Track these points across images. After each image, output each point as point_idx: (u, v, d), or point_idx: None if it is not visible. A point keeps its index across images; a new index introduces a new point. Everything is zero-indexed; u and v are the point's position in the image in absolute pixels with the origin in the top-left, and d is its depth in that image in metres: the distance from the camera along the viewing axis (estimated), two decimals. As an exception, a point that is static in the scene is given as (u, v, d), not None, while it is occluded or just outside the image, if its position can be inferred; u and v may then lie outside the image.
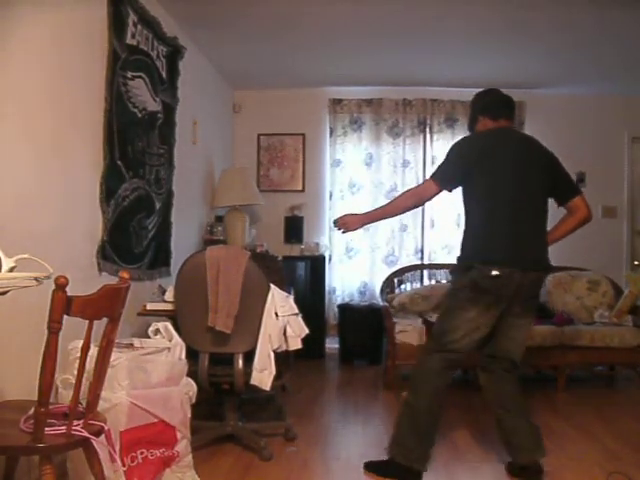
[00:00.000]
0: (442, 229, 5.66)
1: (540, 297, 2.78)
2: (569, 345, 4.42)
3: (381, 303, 5.01)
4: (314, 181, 5.83)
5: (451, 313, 2.68)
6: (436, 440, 2.75)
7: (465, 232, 2.74)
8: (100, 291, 1.73)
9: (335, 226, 2.91)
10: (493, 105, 2.93)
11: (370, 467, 2.79)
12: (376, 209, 3.03)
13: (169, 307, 3.09)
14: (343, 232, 2.91)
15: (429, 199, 2.79)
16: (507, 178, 2.64)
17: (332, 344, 5.57)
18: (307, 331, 3.09)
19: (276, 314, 2.93)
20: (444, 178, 2.74)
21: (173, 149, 4.05)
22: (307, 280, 5.40)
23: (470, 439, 3.27)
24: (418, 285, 5.50)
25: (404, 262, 5.65)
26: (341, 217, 2.91)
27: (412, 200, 2.80)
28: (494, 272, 2.54)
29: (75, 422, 1.72)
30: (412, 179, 5.64)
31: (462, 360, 2.72)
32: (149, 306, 3.17)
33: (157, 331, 2.73)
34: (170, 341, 2.69)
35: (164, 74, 3.87)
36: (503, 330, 2.69)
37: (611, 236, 5.65)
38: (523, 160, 2.69)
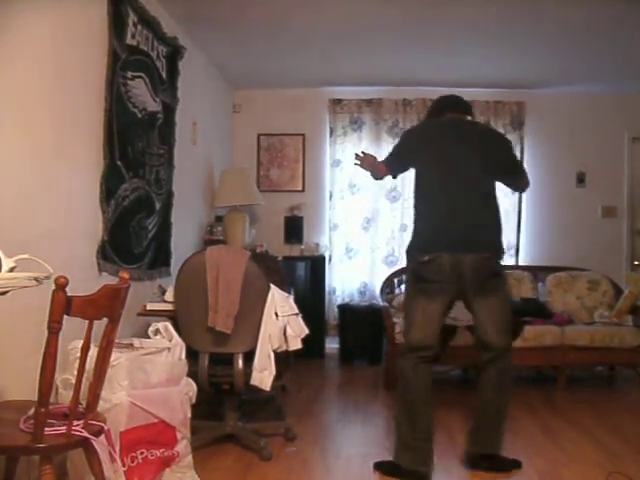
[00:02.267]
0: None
1: (501, 277, 2.79)
2: (569, 345, 4.42)
3: (381, 303, 5.01)
4: (314, 181, 5.83)
5: (407, 309, 2.81)
6: (434, 438, 2.76)
7: (413, 227, 2.88)
8: (100, 291, 1.73)
9: (357, 158, 2.99)
10: (437, 105, 3.07)
11: (380, 467, 2.78)
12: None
13: (169, 307, 3.09)
14: (355, 164, 3.02)
15: (381, 178, 3.05)
16: (444, 165, 2.76)
17: (332, 344, 5.57)
18: (307, 331, 3.09)
19: (276, 314, 2.93)
20: (387, 163, 2.96)
21: (173, 149, 4.05)
22: (307, 280, 5.40)
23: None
24: (418, 285, 5.49)
25: (404, 262, 5.64)
26: (367, 155, 2.97)
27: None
28: (424, 258, 2.68)
29: (75, 422, 1.72)
30: (412, 179, 5.64)
31: (436, 353, 2.76)
32: (149, 306, 3.18)
33: (157, 331, 2.73)
34: (170, 341, 2.69)
35: (164, 74, 3.87)
36: (475, 316, 2.78)
37: (611, 236, 5.65)
38: (462, 146, 2.77)
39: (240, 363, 2.90)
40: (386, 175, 3.00)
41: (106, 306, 1.76)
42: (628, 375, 4.82)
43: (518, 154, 5.63)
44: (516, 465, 2.81)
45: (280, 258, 5.09)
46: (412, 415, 2.71)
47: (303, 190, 5.84)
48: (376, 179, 3.08)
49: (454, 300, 2.78)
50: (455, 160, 2.74)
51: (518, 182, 2.97)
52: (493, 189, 2.81)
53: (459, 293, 2.74)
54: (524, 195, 5.65)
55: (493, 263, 2.72)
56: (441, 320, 2.75)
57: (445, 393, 4.23)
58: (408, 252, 2.84)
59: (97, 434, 1.78)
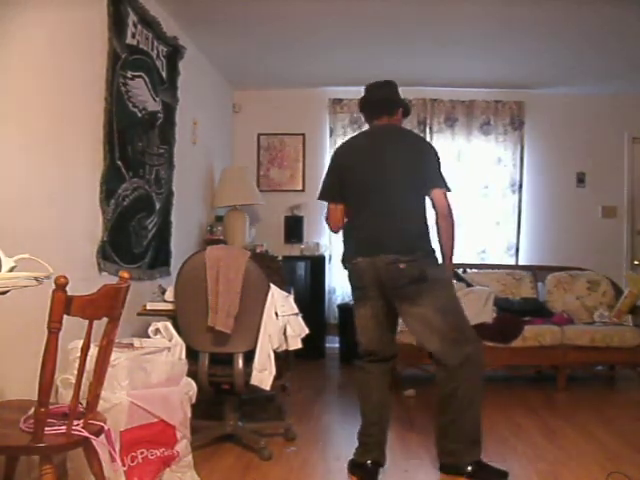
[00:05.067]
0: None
1: (431, 281, 2.60)
2: (569, 345, 4.42)
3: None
4: (314, 181, 5.79)
5: (355, 319, 2.81)
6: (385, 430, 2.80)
7: None
8: (100, 291, 1.73)
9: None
10: (364, 108, 3.00)
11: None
12: None
13: (169, 307, 3.09)
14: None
15: (333, 216, 2.90)
16: (362, 178, 2.74)
17: (332, 344, 5.58)
18: (307, 331, 3.09)
19: (276, 314, 2.93)
20: (322, 193, 2.96)
21: (173, 149, 4.05)
22: (307, 280, 5.40)
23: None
24: (418, 285, 5.49)
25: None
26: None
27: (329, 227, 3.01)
28: (348, 266, 2.76)
29: (75, 422, 1.72)
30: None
31: (385, 355, 2.79)
32: (149, 306, 3.18)
33: (157, 331, 2.74)
34: (170, 341, 2.69)
35: (164, 74, 3.87)
36: (408, 326, 2.72)
37: (611, 236, 5.65)
38: (379, 157, 2.73)
39: (240, 363, 2.89)
40: (337, 226, 2.92)
41: (106, 306, 1.76)
42: (628, 375, 4.82)
43: (518, 154, 5.65)
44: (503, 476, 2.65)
45: (280, 258, 5.08)
46: (363, 412, 2.80)
47: (303, 190, 5.84)
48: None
49: (387, 305, 2.70)
50: (377, 176, 2.71)
51: (435, 201, 2.71)
52: (416, 200, 2.73)
53: (383, 298, 2.68)
54: (524, 195, 5.66)
55: (408, 269, 2.57)
56: (377, 324, 2.72)
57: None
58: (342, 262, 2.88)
59: (97, 434, 1.78)
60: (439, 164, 2.76)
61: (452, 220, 2.72)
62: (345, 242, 2.85)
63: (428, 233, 2.73)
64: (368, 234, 2.70)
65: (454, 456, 2.67)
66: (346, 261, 2.80)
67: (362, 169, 2.76)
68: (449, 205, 2.71)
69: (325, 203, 3.00)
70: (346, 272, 2.84)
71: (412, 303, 2.61)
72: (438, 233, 2.75)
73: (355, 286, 2.78)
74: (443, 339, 2.60)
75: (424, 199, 2.75)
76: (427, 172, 2.73)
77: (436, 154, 2.79)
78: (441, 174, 2.74)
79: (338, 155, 2.94)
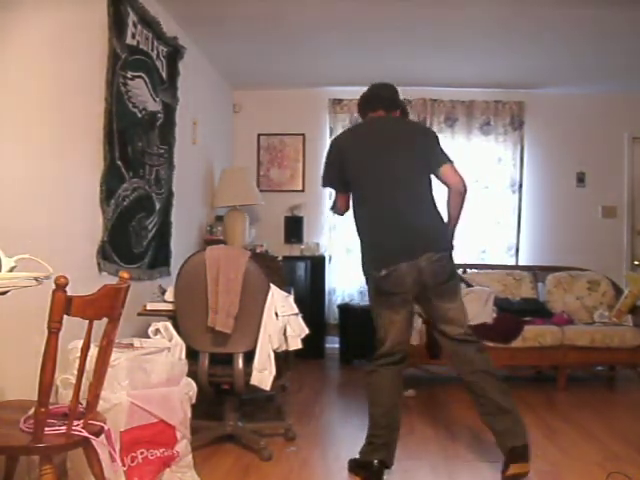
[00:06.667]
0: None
1: (456, 278, 2.75)
2: (569, 345, 4.42)
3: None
4: (314, 181, 5.81)
5: (375, 321, 2.76)
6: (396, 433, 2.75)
7: (360, 242, 2.82)
8: (100, 291, 1.73)
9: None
10: (365, 101, 3.02)
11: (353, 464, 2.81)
12: None
13: (169, 307, 3.09)
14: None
15: (340, 203, 2.94)
16: (373, 172, 2.71)
17: (332, 344, 5.58)
18: (307, 331, 3.09)
19: (276, 314, 2.93)
20: (324, 181, 2.96)
21: (173, 149, 4.05)
22: (307, 280, 5.39)
23: (470, 437, 3.27)
24: (418, 285, 5.49)
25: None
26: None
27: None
28: (382, 272, 2.61)
29: (75, 422, 1.72)
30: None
31: (403, 355, 2.74)
32: (149, 306, 3.18)
33: (157, 331, 2.74)
34: (170, 341, 2.69)
35: (164, 74, 3.87)
36: (434, 314, 2.74)
37: (611, 236, 5.65)
38: (386, 146, 2.72)
39: (240, 363, 2.90)
40: (344, 208, 2.94)
41: (106, 306, 1.76)
42: (628, 375, 4.82)
43: (518, 154, 5.65)
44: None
45: (280, 258, 5.08)
46: (373, 416, 2.74)
47: (303, 190, 5.84)
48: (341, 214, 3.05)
49: (413, 306, 2.78)
50: (383, 164, 2.69)
51: (447, 179, 2.74)
52: (427, 186, 2.74)
53: (419, 295, 2.71)
54: (524, 195, 5.66)
55: (447, 264, 2.67)
56: (409, 326, 2.76)
57: (443, 392, 4.23)
58: (363, 268, 2.78)
59: (97, 434, 1.78)
60: (439, 142, 2.80)
61: (466, 190, 2.76)
62: (371, 246, 2.75)
63: (445, 226, 2.76)
64: (403, 238, 2.62)
65: (519, 435, 2.64)
66: (380, 268, 2.63)
67: (368, 159, 2.72)
68: (461, 177, 2.74)
69: (323, 199, 2.99)
70: (373, 280, 2.71)
71: (448, 299, 2.68)
72: (449, 204, 2.77)
73: (391, 292, 2.64)
74: (466, 325, 2.74)
75: (431, 184, 2.76)
76: (432, 153, 2.75)
77: (434, 134, 2.85)
78: (443, 150, 2.78)
79: (338, 144, 2.92)
